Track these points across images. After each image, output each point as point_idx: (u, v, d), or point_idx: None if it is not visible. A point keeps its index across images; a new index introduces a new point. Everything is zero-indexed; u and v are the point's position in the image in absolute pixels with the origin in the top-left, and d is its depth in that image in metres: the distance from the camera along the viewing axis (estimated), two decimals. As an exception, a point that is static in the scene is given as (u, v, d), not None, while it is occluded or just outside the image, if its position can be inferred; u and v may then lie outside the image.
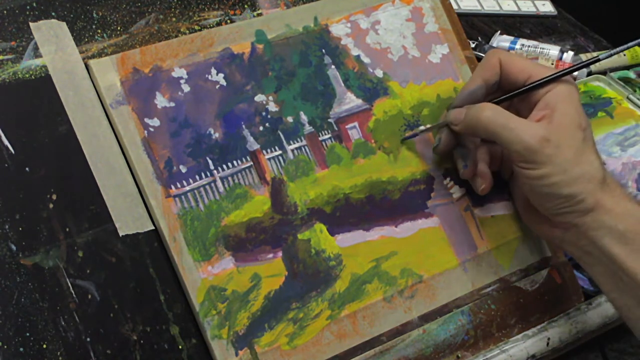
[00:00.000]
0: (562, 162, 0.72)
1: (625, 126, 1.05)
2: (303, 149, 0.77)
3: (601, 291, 0.77)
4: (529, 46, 1.20)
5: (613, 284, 0.74)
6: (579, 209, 0.73)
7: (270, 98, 0.77)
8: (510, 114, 0.74)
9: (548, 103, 0.74)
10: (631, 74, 1.18)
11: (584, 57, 1.19)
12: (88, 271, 0.67)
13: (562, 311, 0.83)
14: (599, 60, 0.79)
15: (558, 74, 0.75)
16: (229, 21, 0.79)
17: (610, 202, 0.73)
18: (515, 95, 0.77)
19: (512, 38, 1.22)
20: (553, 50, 1.19)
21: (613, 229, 0.72)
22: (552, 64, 1.16)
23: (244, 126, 0.75)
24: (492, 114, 0.74)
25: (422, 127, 0.81)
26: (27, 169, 0.67)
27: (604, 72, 1.16)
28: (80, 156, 0.69)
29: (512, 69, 0.77)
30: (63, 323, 0.66)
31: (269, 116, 0.76)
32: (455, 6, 1.25)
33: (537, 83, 0.75)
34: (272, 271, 0.73)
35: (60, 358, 0.65)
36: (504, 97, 0.77)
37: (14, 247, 0.66)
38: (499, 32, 1.23)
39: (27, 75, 0.69)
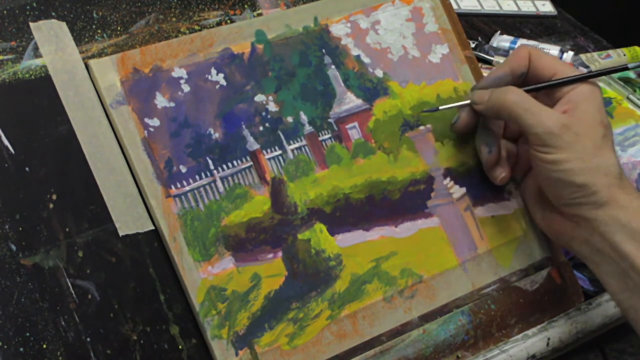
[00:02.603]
0: (580, 150, 0.73)
1: (625, 126, 1.05)
2: (303, 149, 0.77)
3: (607, 292, 0.77)
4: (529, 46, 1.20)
5: (622, 284, 0.73)
6: (591, 201, 0.73)
7: (270, 98, 0.77)
8: (534, 100, 0.75)
9: (571, 100, 0.75)
10: (631, 74, 1.18)
11: (583, 57, 1.19)
12: (88, 271, 0.67)
13: (562, 311, 0.83)
14: (626, 68, 0.80)
15: (587, 76, 0.76)
16: (229, 21, 0.79)
17: (624, 198, 0.73)
18: (542, 88, 0.78)
19: (512, 38, 1.22)
20: (553, 50, 1.19)
21: (626, 226, 0.72)
22: (552, 64, 1.16)
23: (244, 126, 0.75)
24: (516, 97, 0.75)
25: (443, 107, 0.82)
26: (27, 169, 0.67)
27: (604, 72, 1.16)
28: (80, 156, 0.69)
29: (540, 64, 0.78)
30: (63, 323, 0.66)
31: (269, 116, 0.76)
32: (455, 6, 1.25)
33: (566, 80, 0.76)
34: (272, 271, 0.73)
35: (60, 358, 0.65)
36: (531, 87, 0.78)
37: (14, 247, 0.66)
38: (499, 32, 1.23)
39: (27, 75, 0.69)
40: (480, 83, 0.80)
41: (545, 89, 0.78)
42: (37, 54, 0.70)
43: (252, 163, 0.74)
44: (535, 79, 0.79)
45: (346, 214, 0.77)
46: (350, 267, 0.75)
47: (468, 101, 0.80)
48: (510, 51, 1.19)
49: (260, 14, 0.80)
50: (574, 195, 0.74)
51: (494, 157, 0.80)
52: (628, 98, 1.09)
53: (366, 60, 0.82)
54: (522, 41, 1.21)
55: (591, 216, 0.74)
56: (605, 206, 0.73)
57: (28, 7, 0.70)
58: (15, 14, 0.70)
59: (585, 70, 1.16)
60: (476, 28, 1.26)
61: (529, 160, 0.78)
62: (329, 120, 0.78)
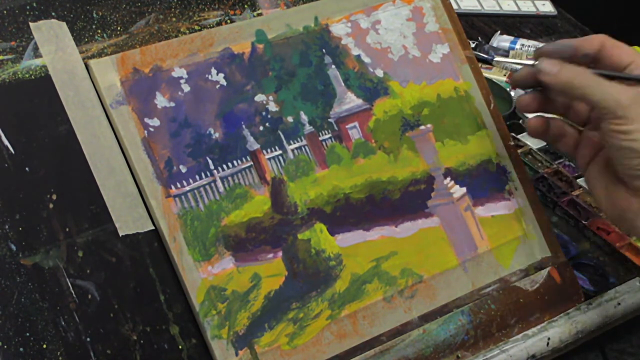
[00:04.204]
0: None
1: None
2: (303, 149, 0.77)
3: None
4: (529, 46, 1.20)
5: None
6: None
7: (271, 98, 0.77)
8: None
9: None
10: (631, 74, 1.17)
11: None
12: (88, 271, 0.67)
13: (562, 311, 0.83)
14: None
15: None
16: (229, 21, 0.79)
17: None
18: (615, 77, 0.77)
19: (512, 38, 1.22)
20: (553, 50, 1.19)
21: None
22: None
23: (244, 126, 0.75)
24: (587, 75, 0.76)
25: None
26: (27, 169, 0.67)
27: (604, 72, 1.16)
28: (80, 156, 0.69)
29: (616, 50, 0.78)
30: (63, 323, 0.66)
31: (269, 116, 0.76)
32: (455, 6, 1.25)
33: None
34: (272, 271, 0.73)
35: (60, 358, 0.65)
36: (603, 72, 0.77)
37: (14, 247, 0.66)
38: (499, 32, 1.23)
39: (27, 75, 0.69)
40: (544, 48, 0.80)
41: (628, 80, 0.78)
42: (37, 54, 0.70)
43: (252, 163, 0.74)
44: (610, 65, 0.79)
45: (346, 213, 0.77)
46: (350, 267, 0.75)
47: (534, 62, 0.79)
48: (510, 51, 1.19)
49: (260, 14, 0.80)
50: None
51: (526, 98, 0.80)
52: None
53: (366, 60, 0.81)
54: (522, 41, 1.21)
55: None
56: None
57: (28, 7, 0.70)
58: (15, 14, 0.70)
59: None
60: (476, 28, 1.26)
61: (598, 139, 0.78)
62: (329, 120, 0.78)
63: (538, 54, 0.80)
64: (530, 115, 0.84)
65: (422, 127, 0.82)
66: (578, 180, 1.00)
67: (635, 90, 0.75)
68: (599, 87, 0.75)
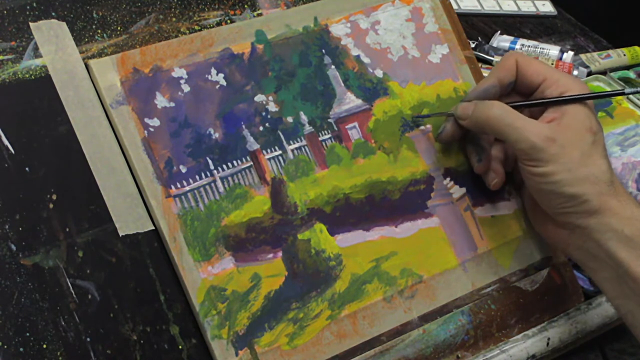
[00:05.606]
0: (567, 162, 0.72)
1: (625, 126, 1.05)
2: (303, 149, 0.77)
3: (606, 297, 0.77)
4: (529, 46, 1.20)
5: (618, 289, 0.73)
6: (583, 210, 0.73)
7: (270, 98, 0.77)
8: (518, 113, 0.74)
9: (560, 106, 0.75)
10: (631, 74, 1.18)
11: (583, 57, 1.19)
12: (88, 271, 0.67)
13: (562, 311, 0.83)
14: (623, 93, 0.79)
15: (575, 98, 0.75)
16: (229, 21, 0.79)
17: (616, 205, 0.72)
18: (527, 105, 0.77)
19: (512, 38, 1.22)
20: (553, 50, 1.19)
21: (619, 233, 0.72)
22: (552, 64, 1.16)
23: (243, 126, 0.75)
24: (499, 112, 0.75)
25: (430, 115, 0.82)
26: (27, 169, 0.67)
27: (603, 72, 1.16)
28: (80, 156, 0.69)
29: (528, 70, 0.77)
30: (63, 323, 0.66)
31: (269, 116, 0.76)
32: (455, 6, 1.25)
33: (552, 100, 0.75)
34: (272, 271, 0.73)
35: (60, 358, 0.65)
36: (516, 103, 0.77)
37: (14, 247, 0.66)
38: (499, 32, 1.23)
39: (27, 75, 0.69)
40: (467, 96, 0.80)
41: (532, 101, 0.77)
42: (37, 54, 0.70)
43: (252, 163, 0.74)
44: (525, 86, 0.78)
45: (346, 214, 0.77)
46: (350, 267, 0.75)
47: (453, 113, 0.80)
48: (510, 51, 1.19)
49: (260, 14, 0.80)
50: (565, 205, 0.74)
51: (482, 167, 0.80)
52: (628, 98, 1.09)
53: (366, 60, 0.82)
54: (522, 41, 1.21)
55: (583, 224, 0.74)
56: (597, 214, 0.73)
57: (28, 7, 0.70)
58: (15, 14, 0.70)
59: (585, 71, 1.16)
60: (476, 28, 1.26)
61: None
62: (329, 120, 0.79)
63: (461, 102, 0.79)
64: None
65: (422, 127, 0.82)
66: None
67: (549, 127, 0.73)
68: (513, 127, 0.73)
